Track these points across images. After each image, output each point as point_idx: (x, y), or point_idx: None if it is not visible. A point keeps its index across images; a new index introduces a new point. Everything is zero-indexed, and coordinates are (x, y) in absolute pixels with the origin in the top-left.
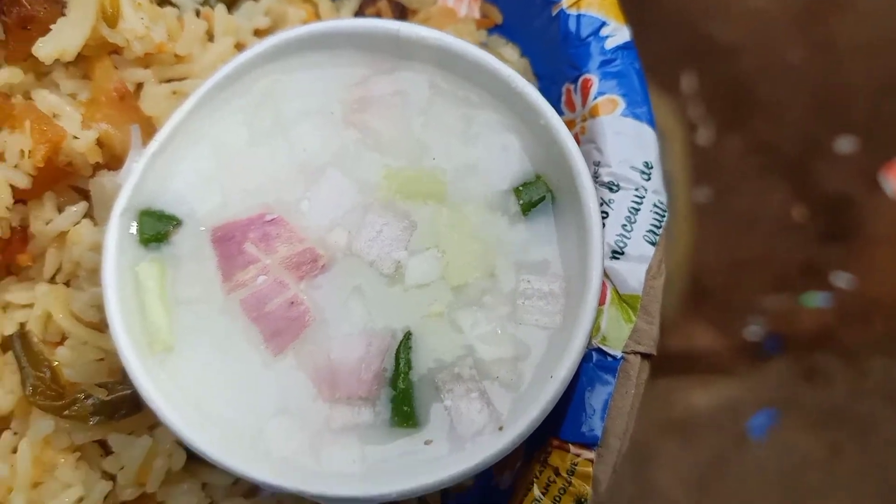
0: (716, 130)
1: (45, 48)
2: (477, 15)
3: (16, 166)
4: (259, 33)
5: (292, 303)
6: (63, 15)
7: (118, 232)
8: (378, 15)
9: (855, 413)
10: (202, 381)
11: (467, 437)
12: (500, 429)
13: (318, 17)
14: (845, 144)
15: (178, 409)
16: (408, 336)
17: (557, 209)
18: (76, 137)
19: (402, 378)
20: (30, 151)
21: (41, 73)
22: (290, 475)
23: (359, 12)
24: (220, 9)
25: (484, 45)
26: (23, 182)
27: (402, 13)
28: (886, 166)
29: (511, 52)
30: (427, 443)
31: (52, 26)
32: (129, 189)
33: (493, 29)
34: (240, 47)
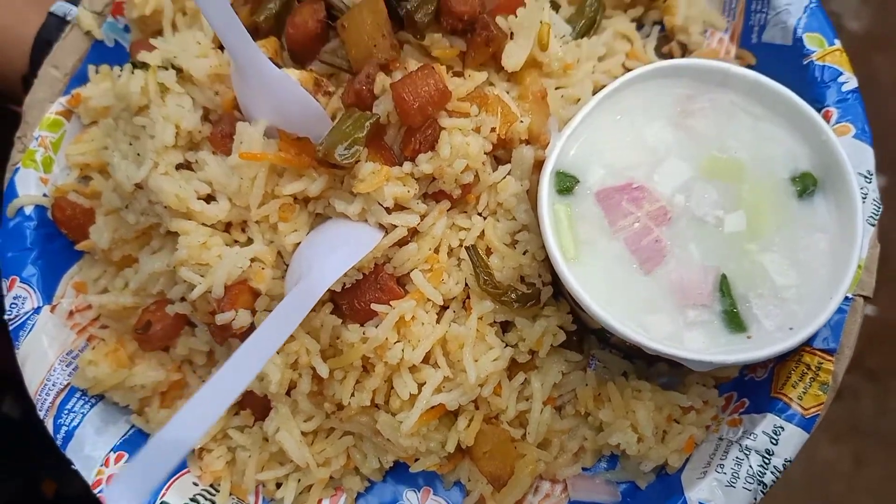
0: None
1: (509, 60)
2: (733, 56)
3: (485, 137)
4: (602, 59)
5: (656, 240)
6: (511, 40)
7: (548, 184)
8: (671, 53)
9: (879, 428)
10: (599, 282)
11: (771, 333)
12: (791, 329)
13: (634, 50)
14: (880, 180)
15: (587, 292)
16: (725, 275)
17: (823, 193)
18: (521, 121)
19: (729, 299)
20: (496, 128)
21: (488, 82)
22: (662, 343)
23: (657, 46)
24: (584, 42)
25: None
26: (488, 148)
27: (684, 52)
28: None
29: None
30: (749, 338)
31: (506, 47)
32: (552, 159)
33: (750, 68)
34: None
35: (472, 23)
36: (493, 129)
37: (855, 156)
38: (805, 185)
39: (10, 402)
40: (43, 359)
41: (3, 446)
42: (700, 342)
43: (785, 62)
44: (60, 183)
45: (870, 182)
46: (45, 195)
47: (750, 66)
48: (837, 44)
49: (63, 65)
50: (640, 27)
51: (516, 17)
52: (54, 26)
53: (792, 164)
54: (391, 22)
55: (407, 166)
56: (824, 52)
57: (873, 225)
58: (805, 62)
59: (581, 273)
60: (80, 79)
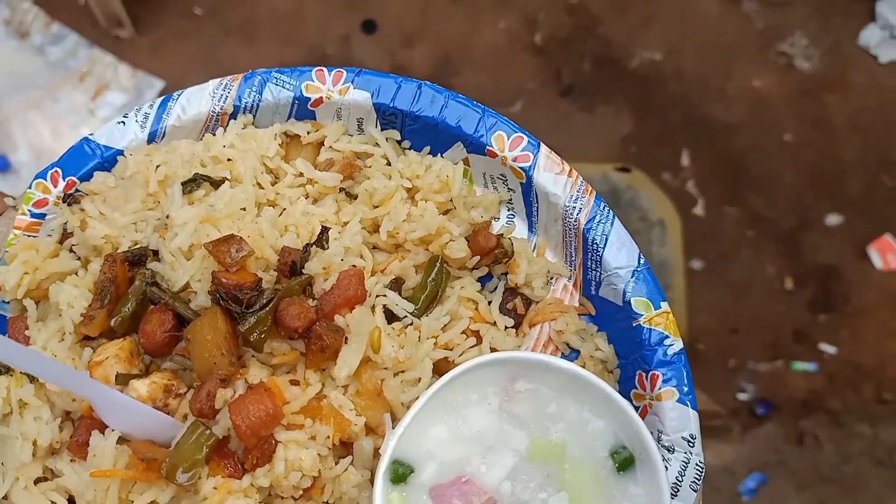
0: (712, 203)
1: (340, 372)
2: (577, 304)
3: (321, 444)
4: (445, 328)
5: None
6: (345, 343)
7: (382, 479)
8: (515, 308)
9: (843, 474)
10: None
11: None
12: None
13: (479, 313)
14: (836, 219)
15: None
16: None
17: (641, 464)
18: (355, 425)
19: None
20: (329, 437)
21: (331, 376)
22: None
23: (502, 303)
24: (425, 320)
25: (583, 332)
26: (325, 452)
27: (528, 304)
28: (874, 241)
29: (602, 341)
30: None
31: (340, 355)
32: (386, 456)
33: (590, 317)
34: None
35: (307, 331)
36: (327, 437)
37: (679, 420)
38: (623, 460)
39: None
40: None
41: None
42: None
43: (618, 320)
44: None
45: (692, 446)
46: None
47: (591, 316)
48: (664, 307)
49: None
50: (489, 277)
51: (353, 315)
52: None
53: (610, 441)
54: (233, 333)
55: (247, 479)
56: (651, 315)
57: (696, 490)
58: (634, 324)
59: None
60: None
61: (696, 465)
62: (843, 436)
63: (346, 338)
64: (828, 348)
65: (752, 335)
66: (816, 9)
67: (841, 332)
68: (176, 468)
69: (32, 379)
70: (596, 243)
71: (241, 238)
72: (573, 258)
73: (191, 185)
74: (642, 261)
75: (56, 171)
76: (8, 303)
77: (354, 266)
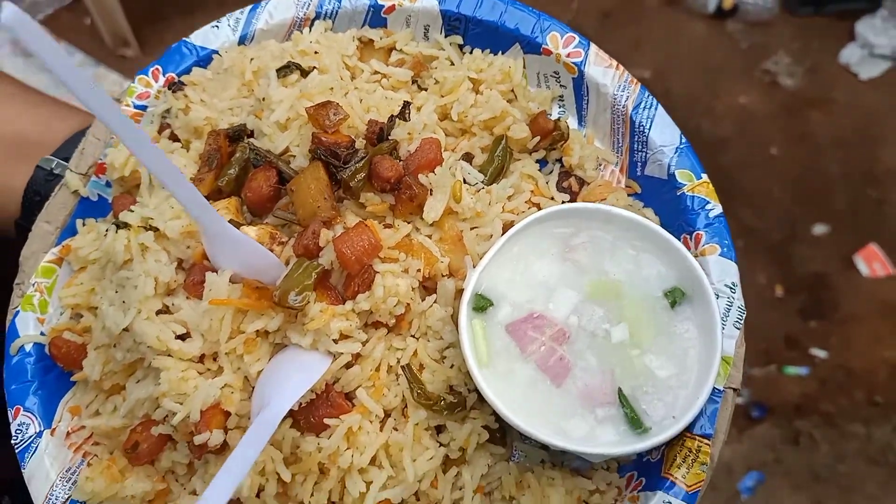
0: None
1: (428, 215)
2: (624, 185)
3: (412, 276)
4: (510, 198)
5: (561, 358)
6: (430, 195)
7: (467, 304)
8: (570, 186)
9: (838, 473)
10: (520, 399)
11: (659, 423)
12: (674, 418)
13: (538, 188)
14: (823, 229)
15: (499, 397)
16: (620, 388)
17: (691, 305)
18: (442, 261)
19: (625, 400)
20: (420, 269)
21: (416, 227)
22: (579, 444)
23: (558, 182)
24: (494, 187)
25: (630, 207)
26: (415, 284)
27: (581, 184)
28: (860, 250)
29: (649, 212)
30: (643, 431)
31: (427, 203)
32: (468, 291)
33: (636, 196)
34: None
35: (397, 183)
36: (418, 270)
37: (722, 271)
38: (675, 298)
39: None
40: (46, 478)
41: None
42: (611, 435)
43: (663, 192)
44: (55, 322)
45: (734, 292)
46: (42, 334)
47: (636, 194)
48: (704, 178)
49: (54, 219)
50: (545, 163)
51: (435, 174)
52: (42, 178)
53: (663, 283)
54: (331, 185)
55: (349, 304)
56: (693, 185)
57: (739, 329)
58: (678, 193)
59: (501, 389)
60: (69, 231)
61: (738, 307)
62: (838, 435)
63: (431, 190)
64: (819, 353)
65: (745, 341)
66: (798, 28)
67: (831, 338)
68: (288, 292)
69: (149, 229)
70: (642, 125)
71: (337, 103)
72: (620, 144)
73: (284, 70)
74: (684, 140)
75: (157, 69)
76: (111, 186)
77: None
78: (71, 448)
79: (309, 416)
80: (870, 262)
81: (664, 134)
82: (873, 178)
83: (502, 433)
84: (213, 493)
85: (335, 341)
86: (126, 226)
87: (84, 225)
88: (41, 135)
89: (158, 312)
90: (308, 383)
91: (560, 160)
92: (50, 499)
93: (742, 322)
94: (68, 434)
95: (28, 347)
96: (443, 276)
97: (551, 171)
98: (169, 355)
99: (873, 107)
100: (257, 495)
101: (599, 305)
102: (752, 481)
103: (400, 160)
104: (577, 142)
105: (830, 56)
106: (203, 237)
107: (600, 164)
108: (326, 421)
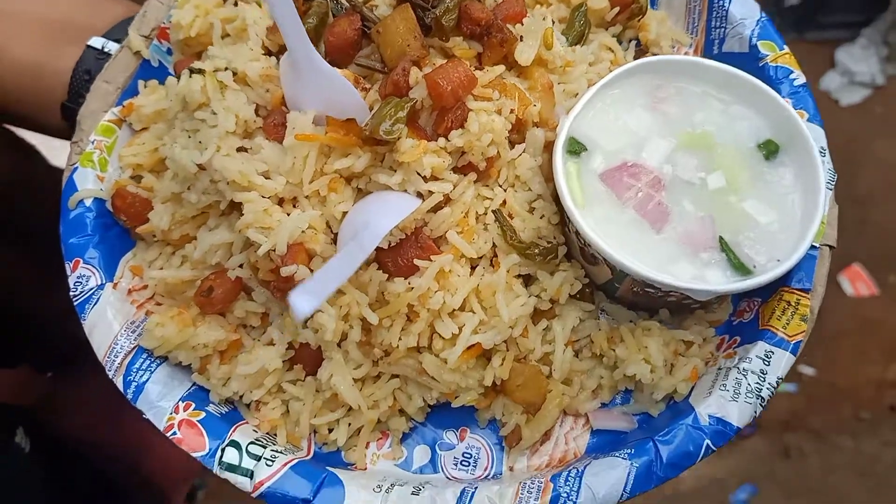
0: None
1: (522, 56)
2: None
3: (505, 118)
4: (591, 65)
5: (659, 203)
6: (520, 41)
7: (562, 149)
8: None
9: (828, 484)
10: (623, 245)
11: (764, 266)
12: (779, 261)
13: (617, 59)
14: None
15: (598, 234)
16: (721, 235)
17: (787, 156)
18: (535, 105)
19: (726, 246)
20: (514, 109)
21: (507, 69)
22: (691, 283)
23: (634, 57)
24: (577, 49)
25: None
26: (508, 126)
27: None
28: (844, 270)
29: None
30: (746, 274)
31: (518, 46)
32: (563, 133)
33: None
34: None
35: (488, 27)
36: (511, 111)
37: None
38: (770, 150)
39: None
40: (109, 327)
41: (11, 477)
42: (720, 277)
43: (743, 66)
44: (116, 179)
45: (824, 156)
46: (101, 190)
47: None
48: (786, 49)
49: (114, 80)
50: (619, 43)
51: (522, 24)
52: (93, 57)
53: (756, 135)
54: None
55: (441, 142)
56: (776, 55)
57: (831, 190)
58: (761, 64)
59: (600, 233)
60: (129, 92)
61: (829, 169)
62: (827, 448)
63: (521, 37)
64: (806, 370)
65: None
66: None
67: (817, 355)
68: (380, 124)
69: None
70: (721, 1)
71: None
72: (696, 24)
73: None
74: (764, 14)
75: None
76: (171, 54)
77: None
78: (133, 305)
79: (397, 257)
80: (854, 282)
81: (745, 7)
82: (855, 200)
83: (590, 292)
84: (316, 284)
85: (425, 179)
86: (200, 72)
87: (146, 86)
88: (89, 17)
89: (238, 150)
90: (401, 216)
91: (634, 39)
92: (114, 348)
93: (833, 185)
94: (130, 292)
95: (88, 202)
96: (533, 123)
97: (626, 49)
98: (251, 191)
99: (853, 132)
100: (339, 344)
101: (692, 155)
102: (746, 494)
103: None
104: (654, 18)
105: (811, 83)
106: (287, 76)
107: (674, 46)
108: (416, 262)
